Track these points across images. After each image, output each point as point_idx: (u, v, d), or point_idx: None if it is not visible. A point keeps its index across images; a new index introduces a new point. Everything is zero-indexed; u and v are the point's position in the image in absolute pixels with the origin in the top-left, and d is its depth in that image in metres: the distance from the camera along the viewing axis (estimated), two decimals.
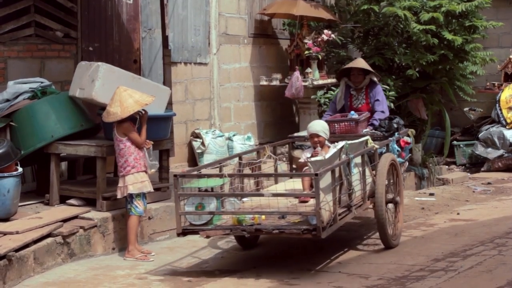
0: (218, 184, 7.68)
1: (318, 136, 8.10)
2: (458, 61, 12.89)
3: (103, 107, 8.60)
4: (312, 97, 12.42)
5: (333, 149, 7.63)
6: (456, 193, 12.01)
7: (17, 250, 7.25)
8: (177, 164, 11.29)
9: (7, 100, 8.96)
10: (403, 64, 12.74)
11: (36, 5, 9.69)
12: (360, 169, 7.99)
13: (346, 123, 8.97)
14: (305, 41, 12.44)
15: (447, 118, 13.78)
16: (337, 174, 7.42)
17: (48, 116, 8.94)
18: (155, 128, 8.74)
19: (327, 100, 12.15)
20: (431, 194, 11.82)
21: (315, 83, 12.42)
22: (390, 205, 8.49)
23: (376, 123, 9.23)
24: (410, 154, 9.50)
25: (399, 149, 8.94)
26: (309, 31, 12.70)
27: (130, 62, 10.34)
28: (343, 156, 7.62)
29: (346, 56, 13.19)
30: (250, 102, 12.93)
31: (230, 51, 12.53)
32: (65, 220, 8.19)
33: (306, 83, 12.32)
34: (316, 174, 6.96)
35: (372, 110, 9.50)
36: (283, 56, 13.45)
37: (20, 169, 8.45)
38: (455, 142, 14.68)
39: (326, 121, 8.89)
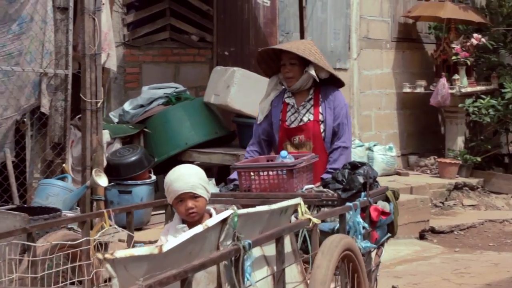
0: None
1: (185, 198, 4.04)
2: None
3: (238, 114, 8.32)
4: (460, 105, 11.82)
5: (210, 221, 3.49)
6: None
7: None
8: None
9: (141, 106, 8.89)
10: None
11: (171, 8, 9.61)
12: (275, 269, 3.83)
13: (272, 174, 4.91)
14: (453, 45, 11.90)
15: None
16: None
17: (182, 123, 8.79)
18: None
19: (476, 109, 11.43)
20: None
21: (463, 90, 11.81)
22: None
23: (328, 176, 5.20)
24: (388, 235, 5.08)
25: (365, 225, 4.64)
26: (457, 35, 12.11)
27: None
28: (227, 243, 3.50)
29: (497, 62, 12.44)
30: (392, 110, 12.43)
31: (372, 56, 12.08)
32: None
33: (453, 91, 11.75)
34: None
35: (331, 141, 5.52)
36: (428, 61, 12.87)
37: (153, 177, 8.34)
38: None
39: (234, 168, 5.14)
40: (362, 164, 4.91)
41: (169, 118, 8.79)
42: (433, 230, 9.47)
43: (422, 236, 9.31)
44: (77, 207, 7.22)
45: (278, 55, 5.60)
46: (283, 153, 5.08)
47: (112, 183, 7.81)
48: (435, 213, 10.35)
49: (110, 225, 4.57)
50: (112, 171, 7.89)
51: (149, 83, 9.11)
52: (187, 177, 4.02)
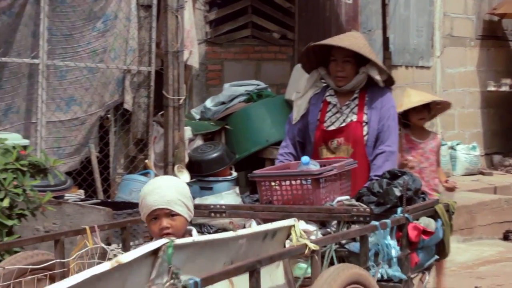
0: None
1: (159, 216, 3.35)
2: None
3: None
4: None
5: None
6: None
7: None
8: None
9: (223, 103, 8.89)
10: None
11: (253, 6, 9.60)
12: None
13: (295, 183, 4.25)
14: None
15: None
16: None
17: (264, 120, 8.76)
18: None
19: None
20: None
21: None
22: None
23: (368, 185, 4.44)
24: (436, 258, 4.35)
25: (398, 248, 3.90)
26: None
27: None
28: (163, 282, 2.76)
29: None
30: (475, 109, 12.19)
31: (455, 54, 11.87)
32: None
33: None
34: None
35: (374, 145, 4.84)
36: None
37: (234, 174, 8.32)
38: None
39: (253, 177, 4.46)
40: (403, 173, 4.25)
41: (250, 115, 8.77)
42: None
43: (506, 237, 9.10)
44: None
45: (324, 49, 4.91)
46: (305, 159, 4.35)
47: (194, 179, 7.84)
48: None
49: (95, 244, 3.76)
50: (193, 167, 7.92)
51: (231, 80, 9.11)
52: (164, 191, 3.36)
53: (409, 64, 11.08)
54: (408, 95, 6.30)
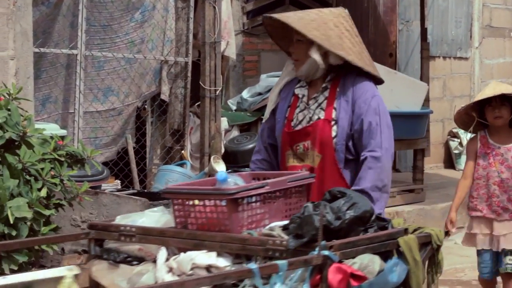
0: None
1: None
2: None
3: None
4: None
5: None
6: None
7: None
8: (432, 165, 10.72)
9: (259, 94, 8.89)
10: None
11: None
12: None
13: (208, 203, 3.27)
14: None
15: None
16: None
17: None
18: (411, 126, 8.29)
19: None
20: None
21: None
22: None
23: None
24: None
25: None
26: None
27: (386, 55, 9.87)
28: None
29: None
30: None
31: (494, 45, 11.72)
32: None
33: None
34: None
35: (345, 149, 3.85)
36: None
37: None
38: None
39: (164, 193, 3.49)
40: (343, 194, 3.17)
41: None
42: None
43: None
44: None
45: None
46: (220, 174, 3.32)
47: (230, 170, 7.84)
48: None
49: None
50: (229, 158, 7.93)
51: (268, 71, 9.09)
52: None
53: (447, 55, 10.97)
54: (485, 89, 5.21)
